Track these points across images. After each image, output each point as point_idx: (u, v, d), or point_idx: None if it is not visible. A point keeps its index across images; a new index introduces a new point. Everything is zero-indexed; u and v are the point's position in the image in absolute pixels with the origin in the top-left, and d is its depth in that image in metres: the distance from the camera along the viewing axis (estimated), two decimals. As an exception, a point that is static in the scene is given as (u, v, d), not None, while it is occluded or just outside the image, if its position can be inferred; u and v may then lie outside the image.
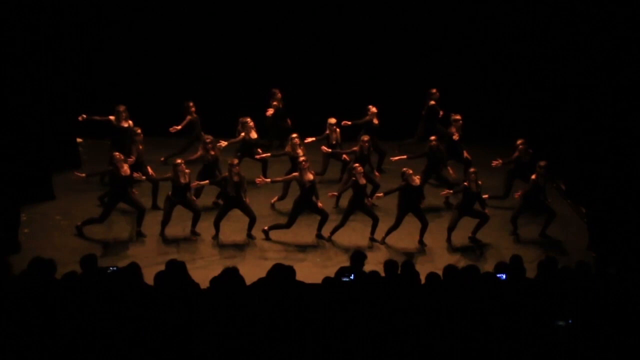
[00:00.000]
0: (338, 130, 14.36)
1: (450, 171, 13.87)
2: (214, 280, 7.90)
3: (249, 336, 7.02)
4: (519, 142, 13.44)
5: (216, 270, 8.27)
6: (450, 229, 12.41)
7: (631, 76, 11.73)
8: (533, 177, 12.52)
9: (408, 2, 16.40)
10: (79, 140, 15.56)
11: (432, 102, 15.23)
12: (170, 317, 7.22)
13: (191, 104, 15.03)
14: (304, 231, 12.61)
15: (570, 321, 7.45)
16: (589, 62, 12.75)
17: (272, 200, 13.46)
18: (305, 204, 12.29)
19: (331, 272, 8.86)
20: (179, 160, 12.45)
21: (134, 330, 7.06)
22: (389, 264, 8.62)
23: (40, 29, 13.32)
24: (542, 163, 12.53)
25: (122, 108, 14.10)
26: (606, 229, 11.76)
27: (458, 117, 14.54)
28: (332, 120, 14.34)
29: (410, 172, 12.33)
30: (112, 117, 14.04)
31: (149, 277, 8.22)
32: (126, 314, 7.24)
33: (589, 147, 12.68)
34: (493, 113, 16.61)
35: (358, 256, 9.20)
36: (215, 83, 16.75)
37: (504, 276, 8.53)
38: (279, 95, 15.60)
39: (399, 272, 8.60)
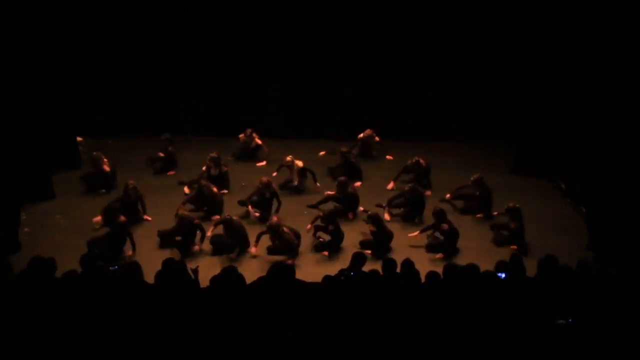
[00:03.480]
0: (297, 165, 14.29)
1: None
2: (213, 279, 7.92)
3: (249, 335, 7.02)
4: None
5: (216, 270, 8.29)
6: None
7: (632, 75, 11.72)
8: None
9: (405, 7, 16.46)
10: (79, 139, 15.59)
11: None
12: (170, 316, 7.22)
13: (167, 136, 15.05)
14: (303, 230, 12.58)
15: (570, 320, 7.45)
16: (588, 61, 12.74)
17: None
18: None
19: (331, 270, 8.87)
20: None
21: (134, 329, 7.07)
22: (387, 263, 8.61)
23: (41, 29, 13.33)
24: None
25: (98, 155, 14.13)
26: (606, 228, 11.75)
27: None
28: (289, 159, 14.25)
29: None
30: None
31: (149, 276, 8.24)
32: (126, 313, 7.25)
33: (589, 147, 12.68)
34: (492, 113, 16.62)
35: (358, 258, 9.20)
36: (215, 83, 16.78)
37: (504, 275, 8.54)
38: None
39: (398, 270, 8.61)
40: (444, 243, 12.02)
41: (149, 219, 12.70)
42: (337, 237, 12.03)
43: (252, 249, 11.73)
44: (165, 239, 11.84)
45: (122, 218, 11.72)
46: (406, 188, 13.30)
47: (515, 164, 15.38)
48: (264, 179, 13.06)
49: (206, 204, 12.93)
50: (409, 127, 16.72)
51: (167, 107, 16.76)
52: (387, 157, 15.87)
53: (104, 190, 13.70)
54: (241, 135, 15.64)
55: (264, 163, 15.26)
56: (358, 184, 14.45)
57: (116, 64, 16.26)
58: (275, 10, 16.32)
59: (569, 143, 13.81)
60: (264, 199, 12.98)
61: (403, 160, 14.77)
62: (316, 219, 12.30)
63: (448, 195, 13.63)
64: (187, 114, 16.91)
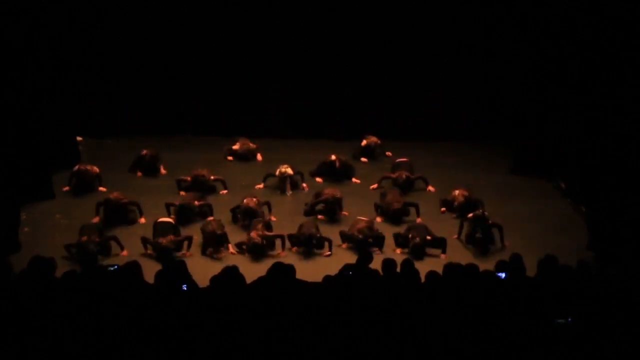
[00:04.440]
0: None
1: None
2: (214, 279, 7.92)
3: (249, 335, 7.02)
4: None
5: (216, 269, 8.29)
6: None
7: (632, 75, 11.72)
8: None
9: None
10: (79, 139, 15.58)
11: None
12: (170, 316, 7.22)
13: (145, 152, 14.75)
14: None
15: (570, 319, 7.46)
16: (588, 61, 12.74)
17: None
18: None
19: (331, 270, 8.86)
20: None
21: (134, 329, 7.07)
22: (387, 263, 8.61)
23: (41, 29, 13.32)
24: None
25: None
26: (606, 228, 11.75)
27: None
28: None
29: None
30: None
31: (149, 276, 8.25)
32: (126, 313, 7.25)
33: (589, 147, 12.68)
34: (492, 113, 16.62)
35: (365, 256, 9.20)
36: (215, 83, 16.76)
37: (503, 275, 8.55)
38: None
39: (397, 270, 8.61)
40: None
41: (144, 221, 12.70)
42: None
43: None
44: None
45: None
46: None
47: (515, 164, 15.36)
48: (248, 202, 12.76)
49: (193, 215, 12.91)
50: (409, 127, 16.70)
51: (167, 107, 16.75)
52: (387, 153, 15.89)
53: (105, 189, 13.70)
54: (235, 146, 15.58)
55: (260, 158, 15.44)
56: (356, 181, 14.55)
57: (116, 64, 16.24)
58: (275, 10, 16.30)
59: (569, 143, 13.80)
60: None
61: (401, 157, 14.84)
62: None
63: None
64: (187, 114, 16.90)
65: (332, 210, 13.13)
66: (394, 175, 14.21)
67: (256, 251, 11.68)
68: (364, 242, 11.84)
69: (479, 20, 16.17)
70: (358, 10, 16.26)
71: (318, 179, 14.52)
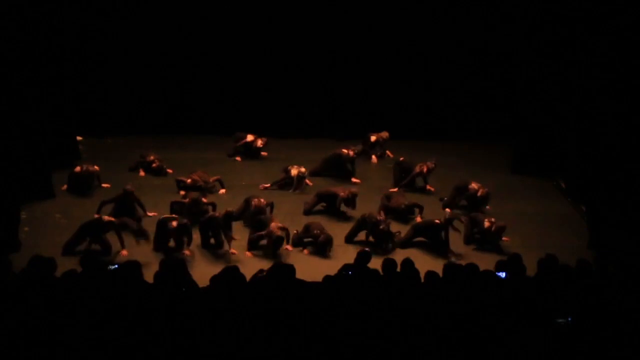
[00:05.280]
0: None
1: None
2: (214, 279, 7.92)
3: (249, 335, 7.02)
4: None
5: (216, 269, 8.30)
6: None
7: (632, 74, 11.73)
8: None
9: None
10: (78, 138, 15.59)
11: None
12: (170, 315, 7.22)
13: (152, 157, 14.70)
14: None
15: (570, 319, 7.46)
16: (589, 60, 12.75)
17: None
18: None
19: (332, 270, 8.87)
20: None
21: (134, 329, 7.07)
22: (387, 263, 8.62)
23: (41, 29, 13.33)
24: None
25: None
26: (606, 228, 11.76)
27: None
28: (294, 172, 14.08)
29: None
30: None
31: (149, 275, 8.25)
32: (126, 312, 7.25)
33: (589, 147, 12.69)
34: (493, 112, 16.64)
35: (364, 256, 9.21)
36: (215, 83, 16.78)
37: (503, 274, 8.56)
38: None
39: (398, 270, 8.61)
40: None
41: (151, 214, 12.69)
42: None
43: (247, 254, 11.82)
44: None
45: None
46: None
47: (515, 163, 15.37)
48: (258, 202, 12.61)
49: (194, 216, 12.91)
50: (409, 127, 16.72)
51: (167, 107, 16.77)
52: (387, 152, 15.90)
53: (109, 186, 13.70)
54: (250, 137, 15.54)
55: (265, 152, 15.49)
56: (356, 181, 14.51)
57: (116, 64, 16.25)
58: (276, 10, 16.33)
59: (569, 143, 13.81)
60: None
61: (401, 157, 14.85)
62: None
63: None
64: (187, 114, 16.90)
65: (351, 204, 13.07)
66: (422, 169, 14.10)
67: (279, 244, 11.65)
68: (387, 234, 11.93)
69: (479, 20, 16.19)
70: (359, 11, 16.29)
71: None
